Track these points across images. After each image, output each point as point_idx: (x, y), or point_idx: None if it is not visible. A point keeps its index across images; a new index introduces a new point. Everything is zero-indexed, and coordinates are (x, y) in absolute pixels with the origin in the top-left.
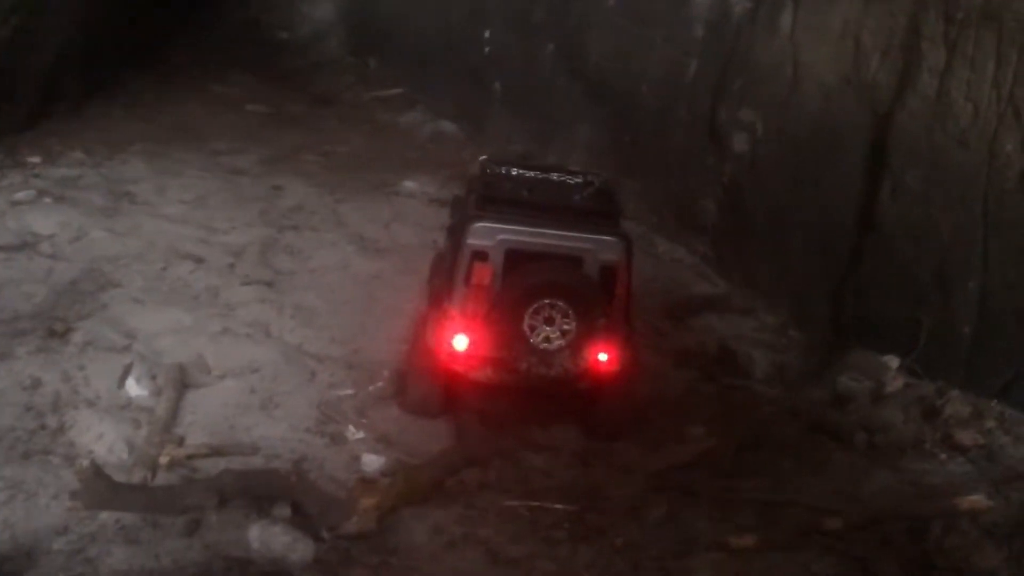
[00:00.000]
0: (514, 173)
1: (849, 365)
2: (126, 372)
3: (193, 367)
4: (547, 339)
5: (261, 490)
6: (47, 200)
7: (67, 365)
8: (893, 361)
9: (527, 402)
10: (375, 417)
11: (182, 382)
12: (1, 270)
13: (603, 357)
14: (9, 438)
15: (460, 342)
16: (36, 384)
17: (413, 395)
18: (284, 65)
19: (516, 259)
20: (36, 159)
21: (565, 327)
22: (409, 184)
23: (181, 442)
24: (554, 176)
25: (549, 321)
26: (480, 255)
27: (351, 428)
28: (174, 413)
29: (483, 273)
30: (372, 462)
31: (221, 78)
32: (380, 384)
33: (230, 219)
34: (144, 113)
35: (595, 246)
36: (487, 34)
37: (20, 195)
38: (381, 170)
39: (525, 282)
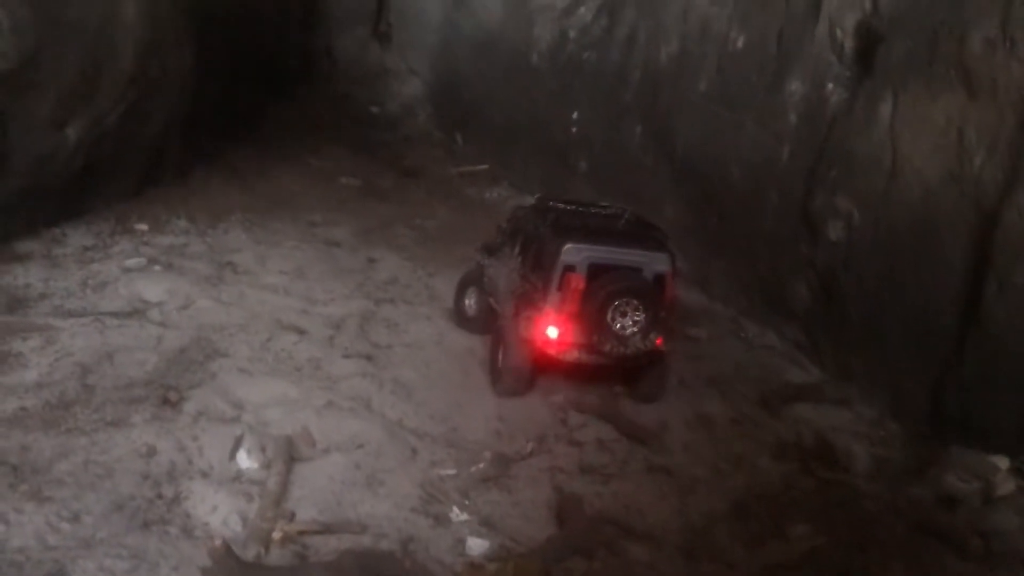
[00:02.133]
0: (562, 207)
1: (953, 463)
2: (237, 444)
3: (300, 440)
4: (624, 327)
5: (376, 573)
6: (156, 268)
7: (181, 434)
8: (1002, 461)
9: (602, 371)
10: (478, 499)
11: (290, 455)
12: (115, 336)
13: (659, 339)
14: (129, 506)
15: (553, 332)
16: (152, 452)
17: (507, 379)
18: (374, 139)
19: (595, 270)
20: (144, 226)
21: (636, 318)
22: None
23: (292, 518)
24: (593, 208)
25: (624, 314)
26: (570, 268)
27: (455, 510)
28: (284, 487)
29: (576, 281)
30: (477, 546)
31: (315, 151)
32: (481, 466)
33: (328, 291)
34: (243, 183)
35: (650, 260)
36: (575, 115)
37: (131, 262)
38: (469, 244)
39: (610, 287)
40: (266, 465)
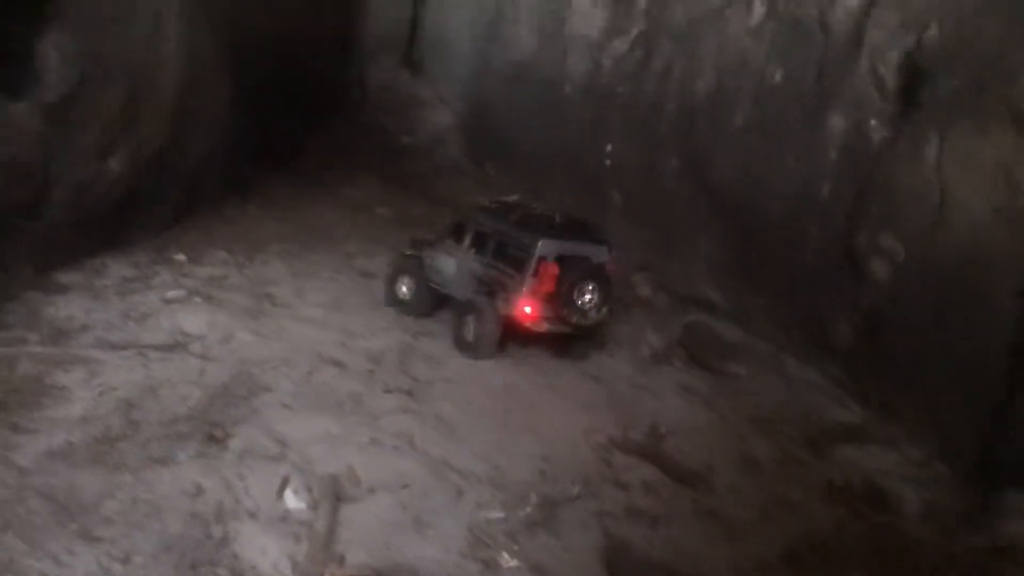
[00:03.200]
0: (513, 208)
1: (1009, 508)
2: (284, 484)
3: (345, 478)
4: (584, 303)
5: None
6: (196, 300)
7: (227, 472)
8: None
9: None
10: (527, 544)
11: (336, 495)
12: (158, 369)
13: (607, 310)
14: (178, 547)
15: (528, 308)
16: (199, 491)
17: (485, 346)
18: (406, 169)
19: (558, 260)
20: (183, 257)
21: (593, 296)
22: None
23: (342, 561)
24: (534, 208)
25: (584, 293)
26: (543, 258)
27: (505, 555)
28: (332, 529)
29: (552, 268)
30: None
31: (348, 180)
32: (528, 509)
33: (366, 323)
34: (278, 213)
35: (596, 250)
36: (608, 146)
37: (171, 294)
38: None
39: (575, 272)
40: (313, 505)
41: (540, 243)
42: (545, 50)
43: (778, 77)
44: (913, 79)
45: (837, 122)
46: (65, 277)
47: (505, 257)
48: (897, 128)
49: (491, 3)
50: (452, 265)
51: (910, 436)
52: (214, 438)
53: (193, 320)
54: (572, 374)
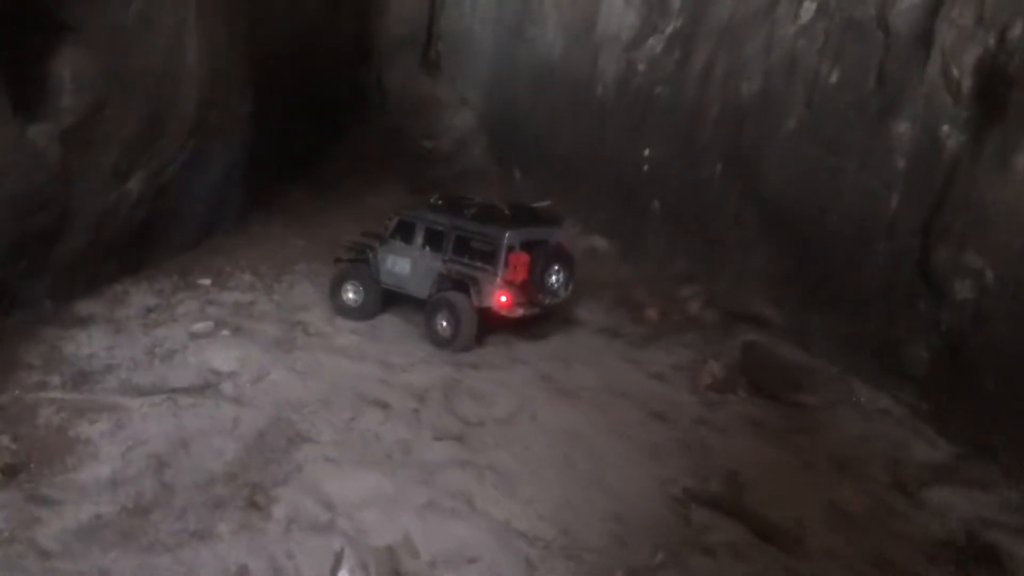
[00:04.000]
0: (457, 202)
1: None
2: (337, 562)
3: (402, 550)
4: (553, 284)
5: None
6: (224, 332)
7: (274, 548)
8: None
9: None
10: None
11: (396, 572)
12: (189, 418)
13: (572, 286)
14: None
15: (503, 297)
16: (244, 573)
17: (464, 340)
18: (430, 174)
19: (523, 247)
20: (207, 281)
21: (559, 276)
22: (579, 313)
23: None
24: (477, 200)
25: (551, 275)
26: (511, 248)
27: None
28: None
29: (523, 257)
30: None
31: (372, 189)
32: None
33: (405, 353)
34: (302, 228)
35: (553, 233)
36: (646, 152)
37: (198, 327)
38: None
39: (545, 257)
40: None
41: (507, 234)
42: (574, 51)
43: (833, 78)
44: (992, 81)
45: (904, 128)
46: (86, 308)
47: (469, 252)
48: (976, 136)
49: (515, 2)
50: (407, 265)
51: (1008, 475)
52: (255, 504)
53: (223, 356)
54: (633, 410)
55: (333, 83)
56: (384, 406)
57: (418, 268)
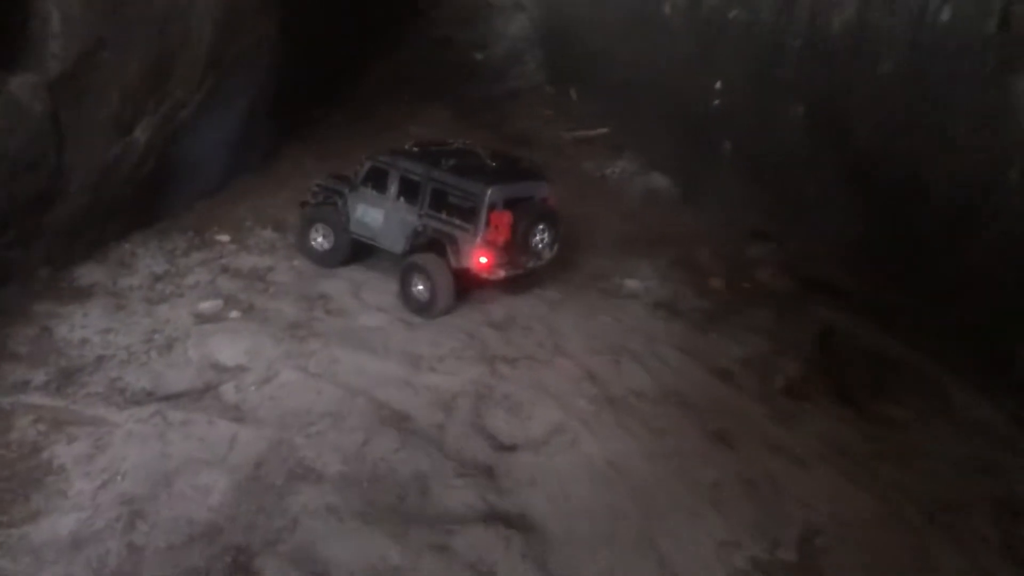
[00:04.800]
0: (434, 149)
1: None
2: None
3: None
4: (537, 244)
5: None
6: (233, 314)
7: None
8: None
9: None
10: None
11: None
12: (178, 442)
13: (556, 247)
14: None
15: (483, 259)
16: None
17: (442, 304)
18: (478, 95)
19: (506, 204)
20: (225, 237)
21: (544, 236)
22: (630, 283)
23: None
24: (456, 146)
25: (535, 235)
26: (494, 206)
27: None
28: None
29: (506, 217)
30: None
31: (414, 115)
32: None
33: (435, 344)
34: (339, 164)
35: (536, 188)
36: (717, 84)
37: (205, 305)
38: (595, 251)
39: (528, 216)
40: None
41: (489, 191)
42: None
43: (944, 16)
44: None
45: None
46: (88, 275)
47: (447, 207)
48: None
49: None
50: (379, 216)
51: None
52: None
53: (228, 348)
54: (692, 429)
55: None
56: (404, 420)
57: (391, 220)
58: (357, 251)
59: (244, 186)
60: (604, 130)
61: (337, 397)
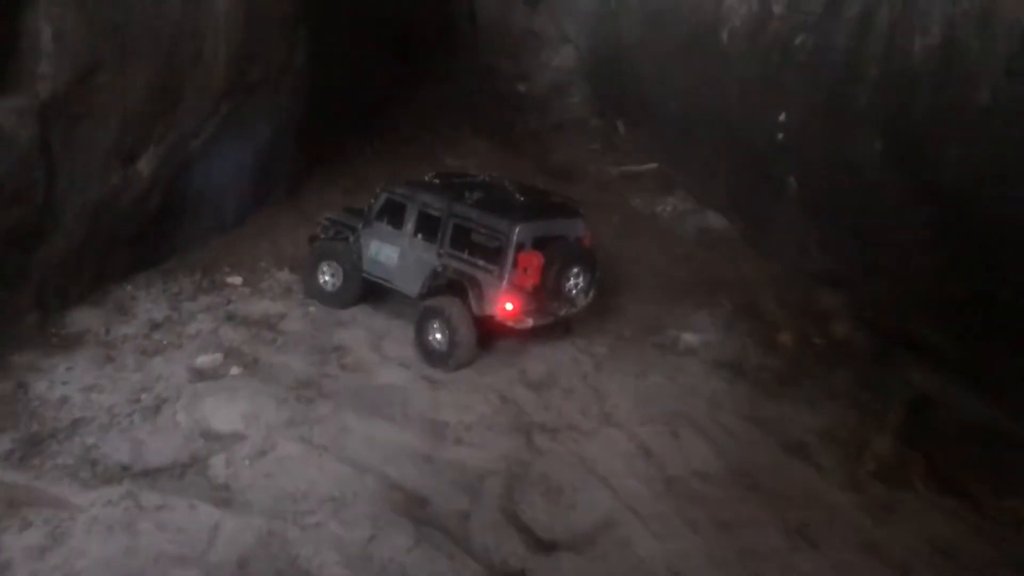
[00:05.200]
0: (457, 181)
1: None
2: None
3: None
4: (570, 289)
5: None
6: (233, 371)
7: None
8: None
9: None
10: None
11: None
12: (149, 534)
13: (593, 293)
14: None
15: (509, 305)
16: None
17: (461, 355)
18: (521, 126)
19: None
20: (237, 280)
21: (578, 280)
22: (688, 336)
23: None
24: (481, 178)
25: (569, 278)
26: (522, 245)
27: None
28: None
29: (536, 258)
30: None
31: (453, 145)
32: None
33: (464, 406)
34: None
35: (571, 226)
36: (782, 116)
37: (203, 360)
38: (645, 297)
39: (562, 258)
40: None
41: (517, 229)
42: None
43: None
44: None
45: None
46: (80, 320)
47: (469, 246)
48: None
49: None
50: (395, 254)
51: None
52: None
53: (224, 412)
54: (768, 524)
55: (417, 14)
56: (421, 506)
57: (407, 259)
58: (368, 291)
59: (263, 222)
60: (653, 165)
61: (342, 475)
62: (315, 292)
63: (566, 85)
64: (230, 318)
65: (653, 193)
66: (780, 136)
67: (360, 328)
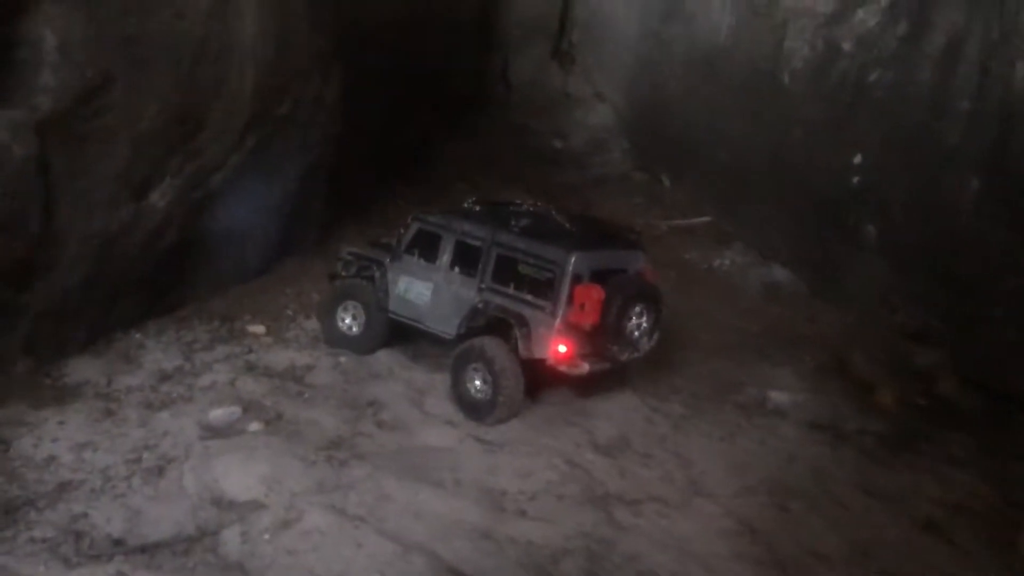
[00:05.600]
0: (500, 209)
1: None
2: None
3: None
4: (632, 330)
5: None
6: (252, 427)
7: None
8: None
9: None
10: None
11: None
12: None
13: (656, 337)
14: None
15: (563, 347)
16: None
17: (506, 408)
18: (559, 181)
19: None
20: (259, 329)
21: (641, 320)
22: (776, 395)
23: None
24: (526, 207)
25: (631, 318)
26: (578, 277)
27: None
28: None
29: (596, 292)
30: None
31: (489, 197)
32: None
33: (524, 472)
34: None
35: (632, 258)
36: (857, 158)
37: (217, 413)
38: (717, 353)
39: (624, 294)
40: None
41: (573, 259)
42: (750, 29)
43: None
44: None
45: None
46: (80, 370)
47: (516, 279)
48: None
49: None
50: (427, 291)
51: None
52: None
53: (239, 474)
54: None
55: (450, 71)
56: None
57: (442, 296)
58: (395, 334)
59: (289, 270)
60: (706, 218)
61: (384, 554)
62: (334, 336)
63: (604, 141)
64: (250, 369)
65: (708, 247)
66: (855, 180)
67: (398, 381)
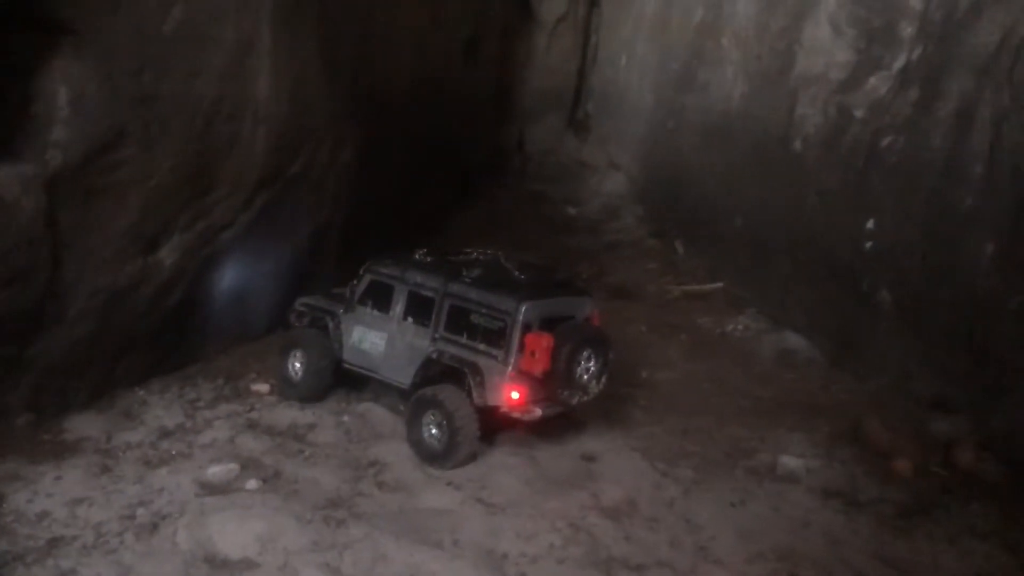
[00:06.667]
0: (451, 258)
1: None
2: None
3: None
4: (582, 375)
5: None
6: (250, 484)
7: None
8: None
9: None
10: None
11: None
12: None
13: (605, 379)
14: None
15: (515, 393)
16: None
17: (464, 451)
18: (574, 246)
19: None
20: (263, 388)
21: (590, 365)
22: (787, 461)
23: None
24: (475, 255)
25: (580, 363)
26: (528, 326)
27: None
28: None
29: (545, 340)
30: None
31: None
32: None
33: (525, 536)
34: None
35: (580, 305)
36: (869, 223)
37: (215, 470)
38: (729, 418)
39: (572, 341)
40: None
41: (523, 308)
42: (762, 97)
43: None
44: None
45: None
46: (80, 426)
47: (468, 328)
48: None
49: (685, 44)
50: (381, 341)
51: None
52: None
53: (235, 532)
54: None
55: (467, 139)
56: None
57: (396, 346)
58: (342, 380)
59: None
60: (719, 284)
61: None
62: (285, 385)
63: (618, 208)
64: (251, 426)
65: (721, 313)
66: (868, 245)
67: (401, 442)
